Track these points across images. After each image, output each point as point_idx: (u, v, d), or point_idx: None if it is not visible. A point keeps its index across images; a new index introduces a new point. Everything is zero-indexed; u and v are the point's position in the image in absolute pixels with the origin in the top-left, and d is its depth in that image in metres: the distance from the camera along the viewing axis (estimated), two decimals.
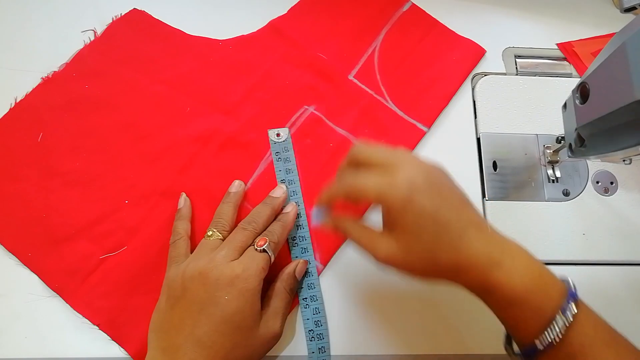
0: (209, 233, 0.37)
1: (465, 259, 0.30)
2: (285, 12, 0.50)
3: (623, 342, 0.31)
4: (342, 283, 0.40)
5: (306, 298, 0.39)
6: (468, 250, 0.30)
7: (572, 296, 0.30)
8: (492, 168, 0.45)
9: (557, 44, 0.51)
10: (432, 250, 0.31)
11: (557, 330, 0.29)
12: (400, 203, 0.30)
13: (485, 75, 0.49)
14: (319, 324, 0.38)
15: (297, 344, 0.38)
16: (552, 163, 0.44)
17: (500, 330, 0.39)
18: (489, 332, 0.39)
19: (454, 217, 0.31)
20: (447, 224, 0.30)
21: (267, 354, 0.35)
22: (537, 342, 0.30)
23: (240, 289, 0.33)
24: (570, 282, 0.31)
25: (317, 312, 0.38)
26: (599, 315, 0.31)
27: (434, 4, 0.51)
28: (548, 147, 0.45)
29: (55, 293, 0.38)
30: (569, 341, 0.29)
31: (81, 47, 0.47)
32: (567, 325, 0.29)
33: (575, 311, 0.29)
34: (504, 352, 0.38)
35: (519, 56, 0.50)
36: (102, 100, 0.45)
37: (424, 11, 0.51)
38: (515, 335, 0.32)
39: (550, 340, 0.29)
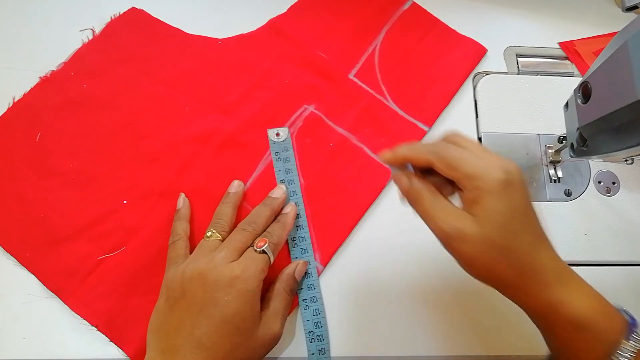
0: (208, 234, 0.37)
1: (535, 268, 0.29)
2: (285, 10, 0.50)
3: None
4: (342, 284, 0.40)
5: (306, 299, 0.39)
6: (540, 260, 0.29)
7: (634, 324, 0.29)
8: None
9: (559, 43, 0.50)
10: (508, 247, 0.29)
11: (627, 356, 0.27)
12: (497, 186, 0.28)
13: (487, 74, 0.49)
14: (319, 325, 0.38)
15: (297, 346, 0.38)
16: (554, 163, 0.44)
17: (500, 330, 0.39)
18: (490, 333, 0.39)
19: (536, 224, 0.30)
20: (530, 225, 0.29)
21: (267, 356, 0.35)
22: None
23: (239, 290, 0.33)
24: (628, 312, 0.30)
25: (317, 313, 0.38)
26: None
27: (435, 3, 0.51)
28: (550, 147, 0.44)
29: (53, 294, 0.38)
30: None
31: (79, 46, 0.46)
32: (636, 351, 0.27)
33: (637, 337, 0.28)
34: (504, 353, 0.38)
35: (520, 55, 0.50)
36: (101, 100, 0.44)
37: (425, 10, 0.50)
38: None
39: None
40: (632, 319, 0.29)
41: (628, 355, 0.27)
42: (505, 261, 0.29)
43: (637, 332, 0.28)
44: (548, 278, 0.29)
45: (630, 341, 0.28)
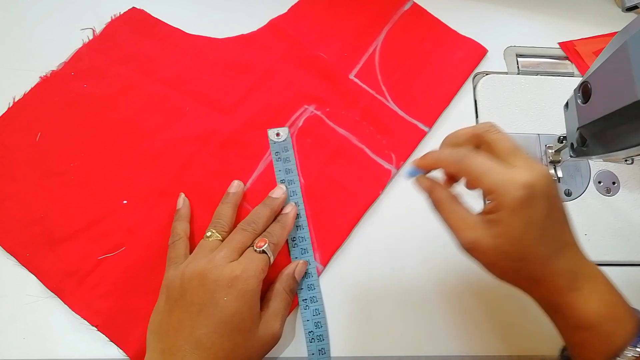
0: (208, 234, 0.37)
1: (548, 276, 0.30)
2: (286, 11, 0.50)
3: None
4: (342, 284, 0.40)
5: (306, 299, 0.39)
6: (554, 268, 0.30)
7: None
8: None
9: (559, 43, 0.50)
10: (522, 259, 0.30)
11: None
12: (514, 203, 0.29)
13: (487, 74, 0.49)
14: (319, 325, 0.38)
15: (297, 346, 0.38)
16: (554, 163, 0.44)
17: (501, 330, 0.39)
18: (490, 333, 0.39)
19: (556, 234, 0.31)
20: (548, 239, 0.30)
21: (266, 356, 0.35)
22: None
23: (239, 290, 0.33)
24: None
25: (317, 313, 0.38)
26: None
27: (436, 3, 0.51)
28: (550, 147, 0.44)
29: (53, 294, 0.38)
30: None
31: (80, 46, 0.46)
32: (636, 356, 0.29)
33: None
34: (504, 353, 0.38)
35: (520, 55, 0.50)
36: (101, 100, 0.44)
37: (426, 10, 0.50)
38: (576, 356, 0.32)
39: None
40: None
41: None
42: (518, 271, 0.31)
43: None
44: (560, 284, 0.30)
45: (638, 347, 0.29)
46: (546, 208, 0.30)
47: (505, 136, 0.32)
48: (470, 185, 0.33)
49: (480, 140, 0.33)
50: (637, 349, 0.29)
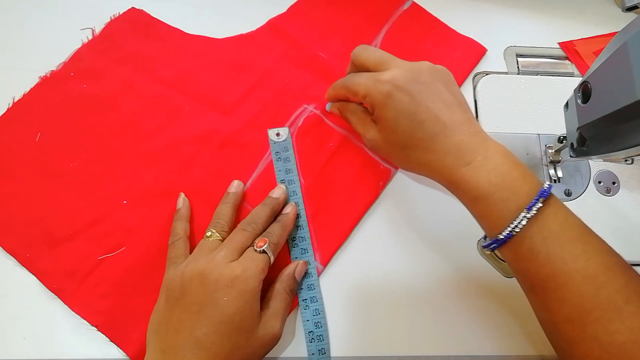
0: (208, 234, 0.37)
1: (434, 157, 0.33)
2: (285, 10, 0.50)
3: (593, 240, 0.31)
4: (342, 284, 0.40)
5: (306, 299, 0.39)
6: (438, 150, 0.33)
7: (542, 194, 0.31)
8: None
9: (559, 43, 0.50)
10: (405, 146, 0.35)
11: (516, 223, 0.30)
12: (381, 99, 0.34)
13: (487, 74, 0.48)
14: (319, 325, 0.38)
15: (297, 346, 0.38)
16: (554, 163, 0.44)
17: (500, 330, 0.39)
18: (489, 333, 0.39)
19: (430, 117, 0.33)
20: (422, 123, 0.33)
21: (266, 356, 0.35)
22: (499, 235, 0.31)
23: (239, 290, 0.33)
24: (547, 183, 0.32)
25: (317, 313, 0.38)
26: (572, 214, 0.32)
27: (435, 3, 0.51)
28: (550, 147, 0.44)
29: (53, 294, 0.38)
30: (529, 234, 0.30)
31: (79, 46, 0.46)
32: (528, 218, 0.30)
33: (540, 205, 0.30)
34: (503, 353, 0.38)
35: (520, 55, 0.50)
36: (101, 100, 0.44)
37: (425, 10, 0.50)
38: (483, 228, 0.34)
39: (509, 232, 0.31)
40: (543, 190, 0.31)
41: (516, 223, 0.30)
42: (408, 158, 0.35)
43: (538, 203, 0.30)
44: (448, 162, 0.33)
45: (531, 211, 0.30)
46: (410, 97, 0.34)
47: (372, 51, 0.38)
48: (354, 99, 0.39)
49: (357, 65, 0.39)
50: (531, 212, 0.30)
